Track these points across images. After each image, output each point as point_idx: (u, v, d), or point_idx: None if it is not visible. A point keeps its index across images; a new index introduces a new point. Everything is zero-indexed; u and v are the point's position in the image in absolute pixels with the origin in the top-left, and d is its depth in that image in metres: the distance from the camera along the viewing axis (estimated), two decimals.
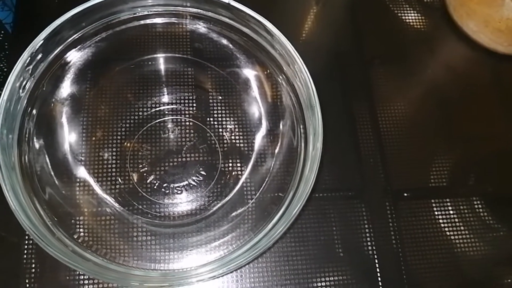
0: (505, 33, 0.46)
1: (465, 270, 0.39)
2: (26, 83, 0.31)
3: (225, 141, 0.39)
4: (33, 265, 0.34)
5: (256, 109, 0.40)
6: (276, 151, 0.38)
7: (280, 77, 0.36)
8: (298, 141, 0.35)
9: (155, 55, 0.40)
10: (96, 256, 0.31)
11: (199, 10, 0.36)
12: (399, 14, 0.49)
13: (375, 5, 0.50)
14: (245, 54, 0.38)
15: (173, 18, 0.37)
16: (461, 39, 0.49)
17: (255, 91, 0.40)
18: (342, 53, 0.47)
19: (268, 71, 0.37)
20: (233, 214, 0.36)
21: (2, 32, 0.57)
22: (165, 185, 0.37)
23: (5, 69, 0.58)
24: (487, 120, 0.45)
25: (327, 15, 0.49)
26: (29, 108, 0.32)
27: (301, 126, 0.34)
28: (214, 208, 0.37)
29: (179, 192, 0.37)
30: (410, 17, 0.49)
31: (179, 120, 0.40)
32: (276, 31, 0.33)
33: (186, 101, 0.40)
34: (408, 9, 0.50)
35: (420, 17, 0.49)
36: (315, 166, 0.31)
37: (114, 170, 0.37)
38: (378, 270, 0.38)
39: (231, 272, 0.33)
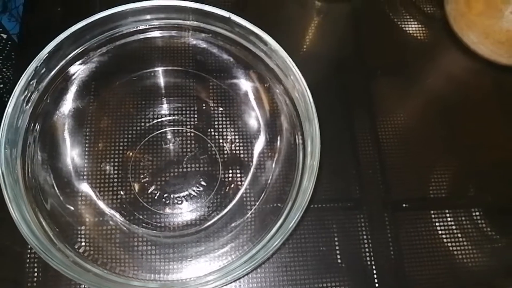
0: (505, 44, 0.46)
1: (464, 281, 0.39)
2: (30, 97, 0.32)
3: (226, 152, 0.40)
4: (36, 274, 0.35)
5: (256, 120, 0.40)
6: (275, 162, 0.38)
7: (279, 89, 0.37)
8: (297, 152, 0.35)
9: (156, 68, 0.40)
10: (97, 267, 0.31)
11: (199, 24, 0.36)
12: (400, 25, 0.50)
13: (377, 15, 0.50)
14: (245, 67, 0.39)
15: (174, 32, 0.37)
16: (462, 50, 0.49)
17: (254, 103, 0.40)
18: (343, 64, 0.47)
19: (268, 83, 0.38)
20: (233, 224, 0.37)
21: (9, 42, 0.58)
22: (165, 195, 0.38)
23: (11, 78, 0.59)
24: (487, 131, 0.45)
25: (328, 26, 0.50)
26: (33, 121, 0.33)
27: (300, 137, 0.35)
28: (214, 219, 0.37)
29: (179, 202, 0.38)
30: (411, 28, 0.50)
31: (180, 131, 0.40)
32: (274, 43, 0.34)
33: (187, 112, 0.41)
34: (409, 19, 0.50)
35: (421, 28, 0.50)
36: (312, 177, 0.31)
37: (115, 180, 0.38)
38: (376, 281, 0.38)
39: (230, 283, 0.34)
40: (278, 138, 0.39)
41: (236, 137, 0.40)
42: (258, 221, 0.36)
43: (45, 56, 0.31)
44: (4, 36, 0.56)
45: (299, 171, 0.34)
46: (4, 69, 0.61)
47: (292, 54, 0.34)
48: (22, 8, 0.56)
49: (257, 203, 0.37)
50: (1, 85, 0.62)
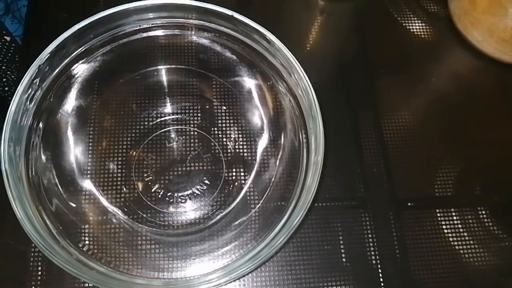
0: (509, 42, 0.45)
1: (470, 280, 0.38)
2: (33, 95, 0.32)
3: (229, 151, 0.40)
4: (39, 273, 0.35)
5: (259, 118, 0.40)
6: (279, 160, 0.38)
7: (282, 87, 0.37)
8: (300, 150, 0.35)
9: (159, 67, 0.41)
10: (100, 265, 0.31)
11: (203, 22, 0.36)
12: (404, 24, 0.50)
13: (380, 14, 0.50)
14: (248, 65, 0.39)
15: (177, 30, 0.37)
16: (466, 48, 0.48)
17: (258, 101, 0.40)
18: (347, 63, 0.47)
19: (271, 82, 0.38)
20: (236, 223, 0.37)
21: (13, 45, 0.58)
22: (169, 194, 0.38)
23: (16, 80, 0.59)
24: (492, 129, 0.45)
25: (331, 25, 0.50)
26: (36, 120, 0.33)
27: (303, 135, 0.35)
28: (218, 217, 0.37)
29: (183, 201, 0.38)
30: (415, 27, 0.50)
31: (183, 129, 0.40)
32: (276, 41, 0.34)
33: (191, 111, 0.41)
34: (413, 18, 0.50)
35: (424, 27, 0.50)
36: (316, 175, 0.31)
37: (119, 179, 0.38)
38: (381, 280, 0.38)
39: (234, 281, 0.33)
40: (282, 136, 0.39)
41: (240, 135, 0.40)
42: (262, 219, 0.36)
43: (48, 55, 0.32)
44: (8, 38, 0.57)
45: (303, 169, 0.33)
46: (9, 72, 0.61)
47: (296, 53, 0.34)
48: (24, 10, 0.56)
49: (261, 202, 0.37)
50: (6, 88, 0.62)
